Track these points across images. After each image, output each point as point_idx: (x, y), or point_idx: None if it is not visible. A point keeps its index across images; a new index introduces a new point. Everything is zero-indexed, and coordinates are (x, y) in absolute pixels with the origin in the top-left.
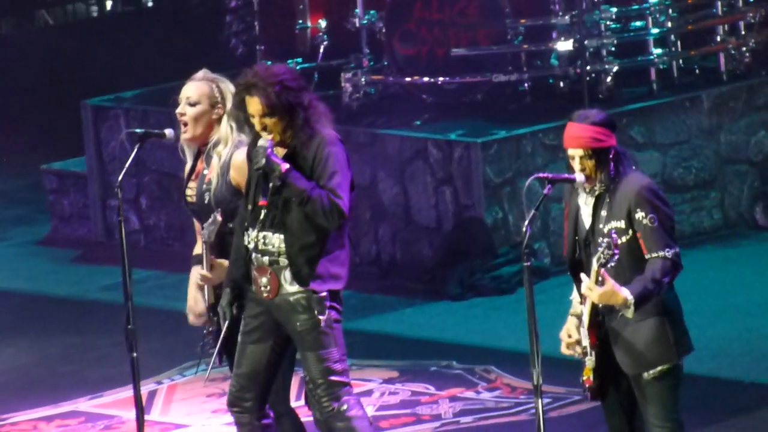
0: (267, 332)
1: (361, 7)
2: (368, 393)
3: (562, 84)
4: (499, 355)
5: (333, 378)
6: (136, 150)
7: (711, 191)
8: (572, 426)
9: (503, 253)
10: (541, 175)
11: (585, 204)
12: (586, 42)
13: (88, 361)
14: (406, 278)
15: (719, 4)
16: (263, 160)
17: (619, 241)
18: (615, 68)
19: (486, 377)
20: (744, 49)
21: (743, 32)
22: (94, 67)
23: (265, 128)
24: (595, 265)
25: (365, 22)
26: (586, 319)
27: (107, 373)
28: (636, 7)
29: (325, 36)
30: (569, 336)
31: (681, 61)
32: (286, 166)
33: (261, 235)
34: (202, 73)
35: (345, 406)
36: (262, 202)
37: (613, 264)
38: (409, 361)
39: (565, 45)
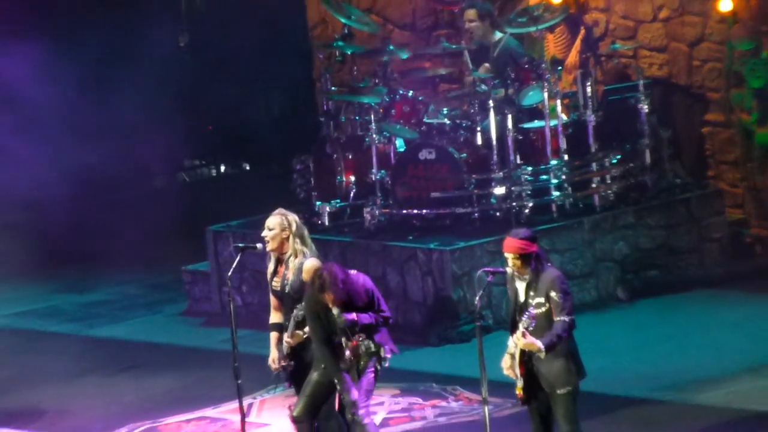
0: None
1: (376, 167)
2: (381, 404)
3: (498, 214)
4: (462, 380)
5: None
6: (238, 257)
7: (590, 279)
8: (509, 423)
9: (463, 318)
10: (486, 269)
11: (519, 287)
12: (512, 188)
13: (211, 385)
14: (404, 333)
15: (594, 165)
16: (342, 324)
17: (537, 312)
18: (530, 204)
19: (453, 393)
20: (609, 191)
21: (608, 182)
22: (214, 206)
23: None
24: (521, 328)
25: (378, 177)
26: (517, 357)
27: (223, 393)
28: (543, 167)
29: (354, 186)
30: (506, 365)
31: (571, 199)
32: (353, 317)
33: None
34: (277, 211)
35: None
36: (353, 342)
37: (532, 328)
38: (406, 384)
39: (500, 190)
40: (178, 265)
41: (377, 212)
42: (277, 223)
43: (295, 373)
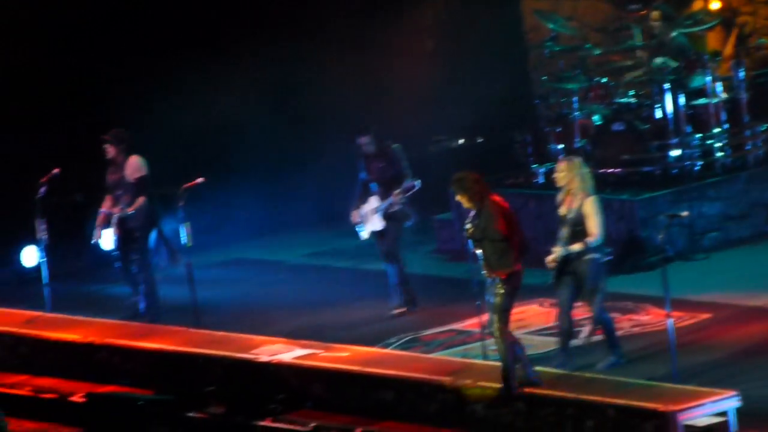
0: None
1: (578, 137)
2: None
3: (674, 171)
4: (650, 298)
5: None
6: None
7: (746, 219)
8: (688, 331)
9: (649, 252)
10: (666, 214)
11: None
12: (685, 151)
13: (456, 306)
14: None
15: (747, 131)
16: None
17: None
18: (699, 163)
19: (644, 309)
20: (759, 151)
21: (759, 144)
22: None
23: None
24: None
25: (580, 144)
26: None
27: (467, 312)
28: (708, 134)
29: (562, 152)
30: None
31: (730, 159)
32: None
33: None
34: (566, 157)
35: None
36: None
37: None
38: (607, 303)
39: (675, 152)
40: (429, 214)
41: None
42: (565, 166)
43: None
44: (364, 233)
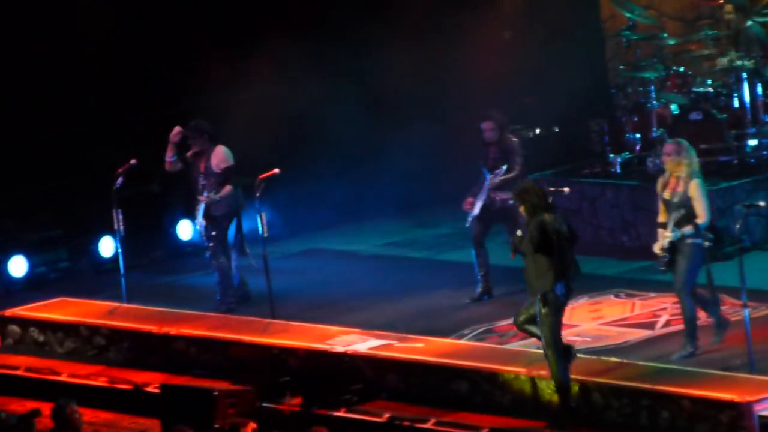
0: None
1: (655, 126)
2: (664, 308)
3: (752, 160)
4: (726, 288)
5: None
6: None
7: None
8: (764, 321)
9: (726, 241)
10: (743, 203)
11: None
12: (763, 140)
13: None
14: None
15: None
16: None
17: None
18: None
19: (720, 299)
20: None
21: None
22: (532, 159)
23: None
24: None
25: (658, 134)
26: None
27: None
28: None
29: (639, 141)
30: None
31: None
32: None
33: None
34: (674, 140)
35: None
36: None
37: None
38: None
39: (753, 141)
40: None
41: (658, 161)
42: (673, 149)
43: (669, 262)
44: (470, 220)
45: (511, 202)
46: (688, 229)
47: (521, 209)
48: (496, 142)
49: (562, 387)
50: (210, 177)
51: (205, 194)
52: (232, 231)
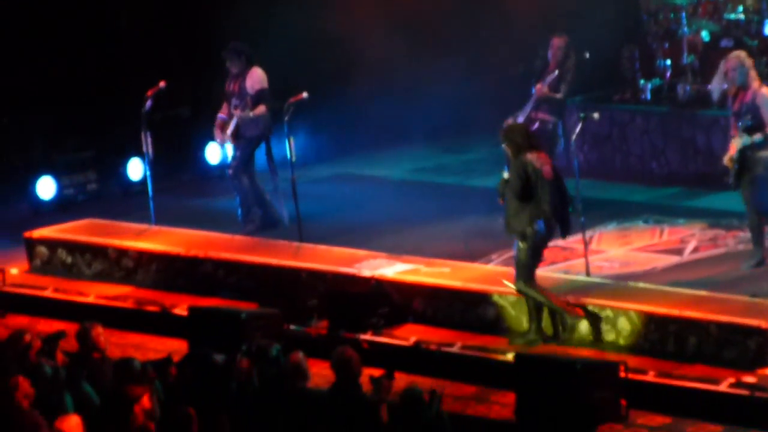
0: None
1: (686, 53)
2: (693, 234)
3: None
4: None
5: None
6: (580, 124)
7: None
8: None
9: None
10: None
11: None
12: None
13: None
14: (711, 180)
15: None
16: None
17: None
18: None
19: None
20: None
21: None
22: None
23: None
24: None
25: (688, 61)
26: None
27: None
28: None
29: (669, 68)
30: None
31: None
32: None
33: None
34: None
35: None
36: None
37: None
38: (712, 219)
39: None
40: None
41: (688, 88)
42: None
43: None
44: None
45: (550, 126)
46: (758, 136)
47: (506, 148)
48: (559, 62)
49: (552, 309)
50: (244, 97)
51: (240, 112)
52: (261, 155)
